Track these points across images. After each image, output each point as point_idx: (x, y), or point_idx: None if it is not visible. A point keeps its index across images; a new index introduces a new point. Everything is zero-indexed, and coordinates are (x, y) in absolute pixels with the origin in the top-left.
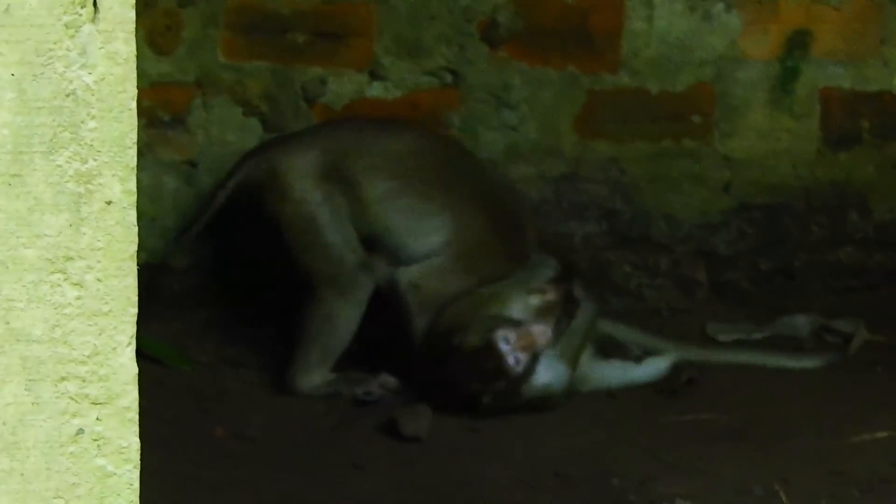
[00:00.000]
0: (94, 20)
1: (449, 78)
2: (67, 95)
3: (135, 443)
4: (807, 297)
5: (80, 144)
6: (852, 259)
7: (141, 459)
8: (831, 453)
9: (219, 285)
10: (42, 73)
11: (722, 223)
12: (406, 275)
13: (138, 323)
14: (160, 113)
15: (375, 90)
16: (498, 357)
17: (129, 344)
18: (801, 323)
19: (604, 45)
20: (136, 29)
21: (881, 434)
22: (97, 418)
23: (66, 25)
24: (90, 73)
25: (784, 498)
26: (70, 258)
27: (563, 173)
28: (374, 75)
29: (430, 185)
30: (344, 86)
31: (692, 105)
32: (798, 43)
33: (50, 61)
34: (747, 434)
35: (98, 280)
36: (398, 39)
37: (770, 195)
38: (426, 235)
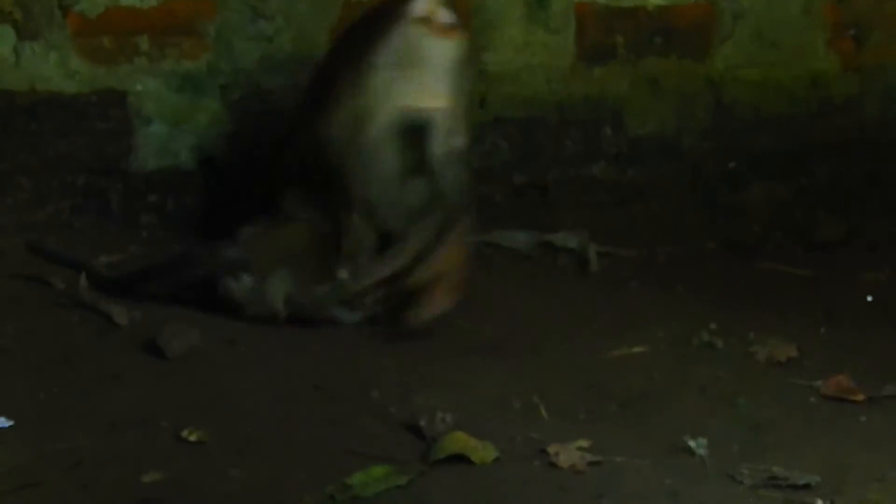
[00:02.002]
0: None
1: None
2: None
3: None
4: (560, 211)
5: None
6: (606, 174)
7: None
8: (589, 368)
9: None
10: None
11: (476, 137)
12: None
13: None
14: None
15: None
16: None
17: None
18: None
19: None
20: None
21: (638, 349)
22: None
23: None
24: None
25: (543, 411)
26: None
27: None
28: None
29: None
30: None
31: None
32: None
33: None
34: (503, 348)
35: None
36: None
37: (524, 110)
38: None
